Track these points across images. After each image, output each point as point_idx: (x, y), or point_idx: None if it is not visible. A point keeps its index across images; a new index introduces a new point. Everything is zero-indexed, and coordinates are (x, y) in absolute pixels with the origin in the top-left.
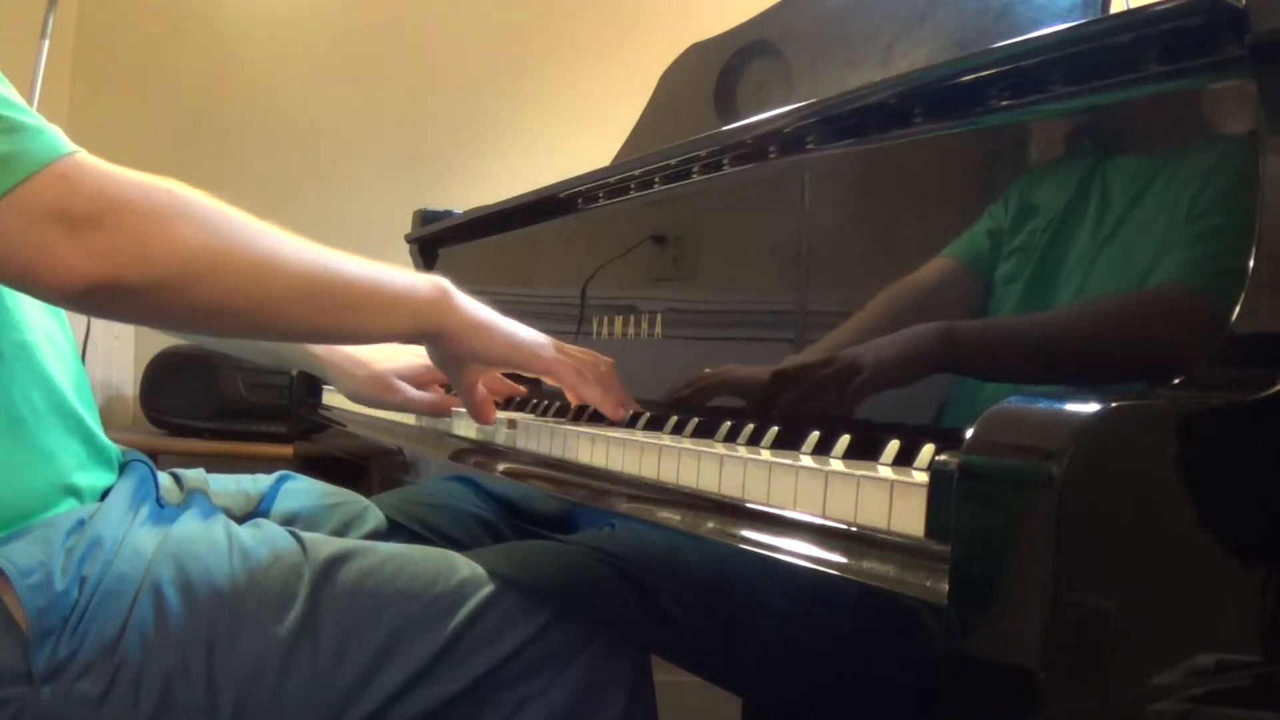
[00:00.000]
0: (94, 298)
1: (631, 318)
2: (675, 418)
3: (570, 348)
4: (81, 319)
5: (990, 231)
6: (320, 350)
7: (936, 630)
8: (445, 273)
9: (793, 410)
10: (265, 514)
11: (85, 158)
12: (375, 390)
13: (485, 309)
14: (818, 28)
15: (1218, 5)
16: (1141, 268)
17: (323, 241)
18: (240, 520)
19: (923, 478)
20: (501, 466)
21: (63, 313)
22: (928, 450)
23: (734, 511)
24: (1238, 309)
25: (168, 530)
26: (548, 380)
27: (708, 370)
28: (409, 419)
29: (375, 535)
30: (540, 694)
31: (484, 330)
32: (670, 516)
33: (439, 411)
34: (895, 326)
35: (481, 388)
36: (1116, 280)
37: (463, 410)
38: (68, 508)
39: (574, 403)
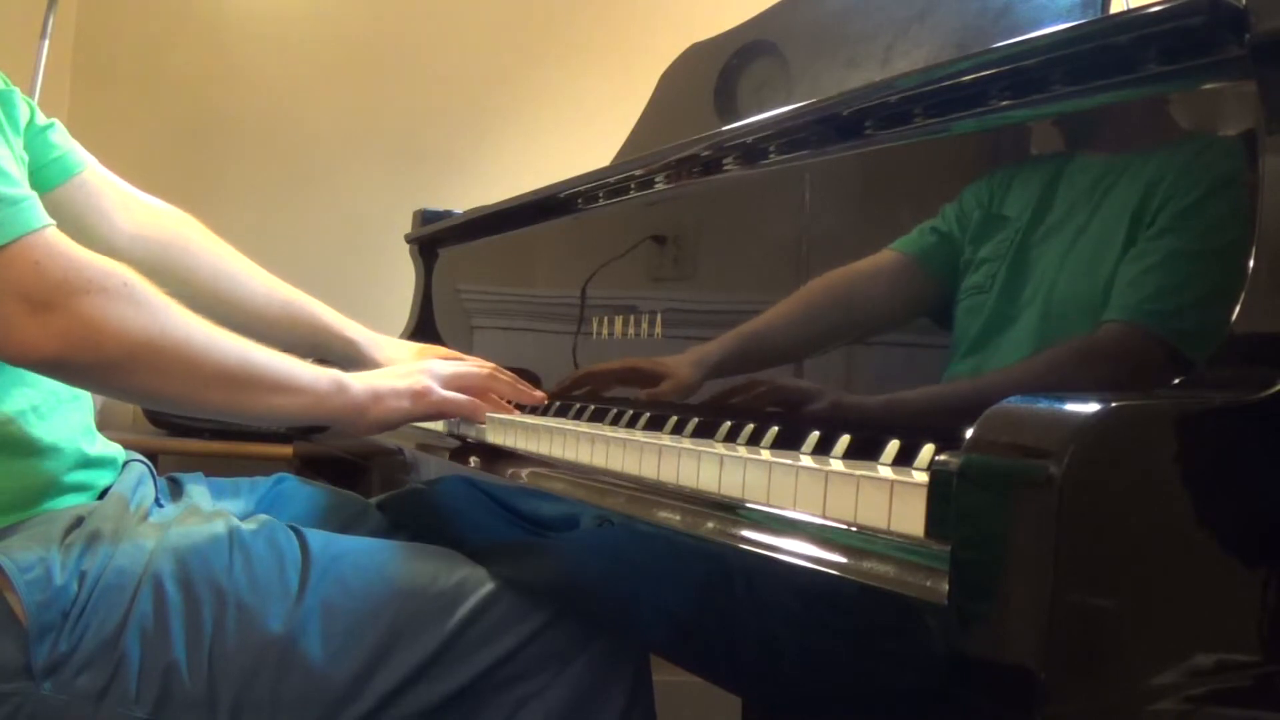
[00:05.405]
0: (47, 370)
1: (631, 318)
2: (675, 418)
3: (452, 367)
4: None
5: (990, 229)
6: (363, 350)
7: (936, 630)
8: (445, 272)
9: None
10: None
11: (53, 236)
12: None
13: (377, 384)
14: (818, 28)
15: (1218, 5)
16: (1140, 265)
17: (323, 242)
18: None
19: (923, 478)
20: (501, 467)
21: None
22: (928, 450)
23: (734, 511)
24: (1238, 309)
25: (168, 525)
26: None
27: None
28: None
29: (375, 535)
30: (539, 693)
31: (368, 413)
32: (670, 517)
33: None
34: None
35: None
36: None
37: None
38: (66, 504)
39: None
